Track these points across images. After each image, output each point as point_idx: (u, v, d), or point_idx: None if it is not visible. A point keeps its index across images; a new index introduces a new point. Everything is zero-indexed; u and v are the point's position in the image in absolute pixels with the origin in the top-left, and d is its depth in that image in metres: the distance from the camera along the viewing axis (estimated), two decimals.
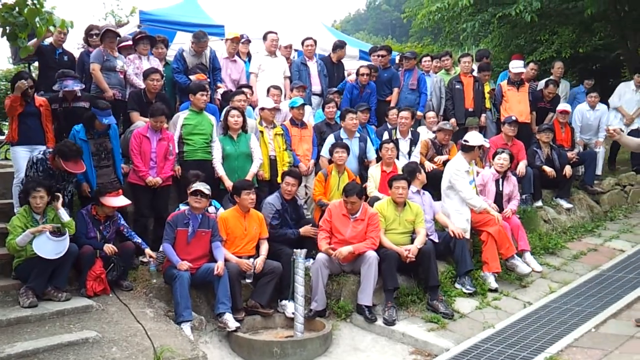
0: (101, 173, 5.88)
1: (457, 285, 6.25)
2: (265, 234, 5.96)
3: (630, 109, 9.32)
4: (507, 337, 5.13)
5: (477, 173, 7.04)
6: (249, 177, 6.43)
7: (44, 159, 5.50)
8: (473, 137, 6.86)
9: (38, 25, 4.46)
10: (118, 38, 7.25)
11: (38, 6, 4.38)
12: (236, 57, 8.22)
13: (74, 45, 8.06)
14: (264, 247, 5.88)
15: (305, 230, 6.13)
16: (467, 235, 6.47)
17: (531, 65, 9.75)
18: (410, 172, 6.51)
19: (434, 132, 7.99)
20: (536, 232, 7.61)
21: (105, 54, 6.88)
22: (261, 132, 6.96)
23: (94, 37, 7.25)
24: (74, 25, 4.73)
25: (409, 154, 7.59)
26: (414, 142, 7.61)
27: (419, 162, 7.48)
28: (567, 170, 8.12)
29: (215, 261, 5.48)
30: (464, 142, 6.83)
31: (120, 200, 5.57)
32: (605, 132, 5.33)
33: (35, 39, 6.54)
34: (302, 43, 8.86)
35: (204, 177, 5.88)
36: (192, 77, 7.25)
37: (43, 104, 6.07)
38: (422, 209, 6.25)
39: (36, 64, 11.55)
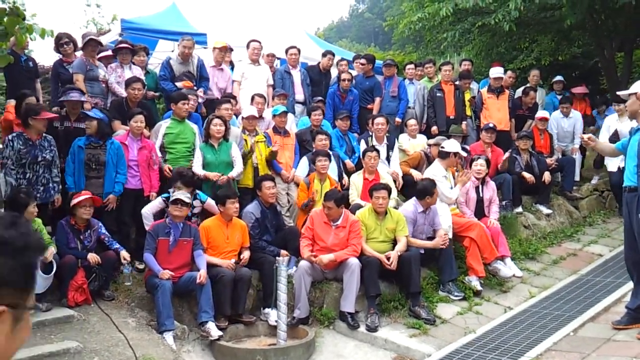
0: (88, 183, 5.83)
1: (441, 292, 6.30)
2: (247, 243, 5.96)
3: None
4: (488, 341, 5.19)
5: (456, 183, 7.11)
6: (230, 174, 6.40)
7: (19, 133, 5.52)
8: (450, 144, 7.00)
9: (18, 35, 4.45)
10: (99, 47, 7.23)
11: (18, 15, 4.37)
12: (223, 66, 8.24)
13: (53, 54, 7.99)
14: (245, 254, 5.88)
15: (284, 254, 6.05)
16: (450, 236, 6.53)
17: (509, 73, 9.93)
18: (420, 193, 6.40)
19: (428, 145, 8.04)
20: (516, 237, 7.70)
21: (88, 64, 6.85)
22: (245, 140, 6.98)
23: (64, 45, 7.17)
24: (54, 33, 4.73)
25: (387, 159, 7.66)
26: (390, 148, 7.69)
27: (398, 168, 7.58)
28: (546, 176, 8.25)
29: (198, 270, 5.48)
30: (440, 149, 6.98)
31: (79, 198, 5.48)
32: (580, 140, 5.44)
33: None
34: (286, 52, 8.90)
35: (190, 176, 5.86)
36: (178, 84, 7.27)
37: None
38: (406, 222, 6.25)
39: None
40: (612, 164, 8.22)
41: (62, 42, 7.15)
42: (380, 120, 7.73)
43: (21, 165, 5.51)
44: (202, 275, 5.37)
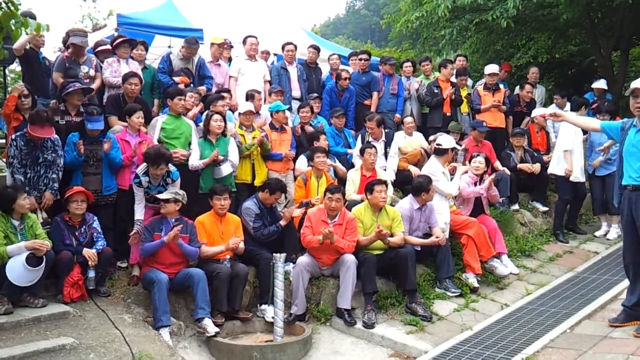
0: (87, 180, 5.80)
1: (438, 289, 6.32)
2: (241, 236, 5.93)
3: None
4: (485, 338, 5.19)
5: (452, 178, 7.13)
6: (207, 160, 6.33)
7: (22, 133, 5.51)
8: (446, 140, 6.99)
9: (13, 29, 4.40)
10: (96, 42, 7.19)
11: (12, 9, 4.32)
12: (220, 61, 8.23)
13: (50, 48, 8.02)
14: (241, 245, 5.84)
15: (286, 218, 6.16)
16: (447, 234, 6.55)
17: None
18: (415, 190, 6.40)
19: (429, 142, 8.03)
20: (513, 234, 7.72)
21: (68, 62, 6.76)
22: (242, 135, 6.95)
23: None
24: (50, 28, 4.67)
25: (385, 155, 7.62)
26: (388, 144, 7.64)
27: (396, 164, 7.56)
28: (536, 167, 8.23)
29: (194, 266, 5.48)
30: (436, 146, 6.97)
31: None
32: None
33: (20, 41, 6.49)
34: (283, 48, 8.88)
35: (169, 155, 5.79)
36: (175, 79, 7.30)
37: None
38: (402, 219, 6.25)
39: (11, 67, 11.44)
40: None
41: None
42: (370, 124, 7.61)
43: (23, 165, 5.51)
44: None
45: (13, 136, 5.55)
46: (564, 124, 7.88)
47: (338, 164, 7.47)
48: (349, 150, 7.81)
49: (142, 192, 5.78)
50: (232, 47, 8.79)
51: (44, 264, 4.93)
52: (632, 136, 4.86)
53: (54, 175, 5.63)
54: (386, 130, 7.80)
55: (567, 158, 7.88)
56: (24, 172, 5.51)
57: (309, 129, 7.80)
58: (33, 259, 4.85)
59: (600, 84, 9.77)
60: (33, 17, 6.88)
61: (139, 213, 5.77)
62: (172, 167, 5.89)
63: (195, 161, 6.36)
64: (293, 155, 7.33)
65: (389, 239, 5.92)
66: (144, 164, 5.73)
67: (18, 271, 4.82)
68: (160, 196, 5.57)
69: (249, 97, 7.59)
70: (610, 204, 7.74)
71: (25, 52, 7.00)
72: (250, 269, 5.91)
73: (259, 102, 7.66)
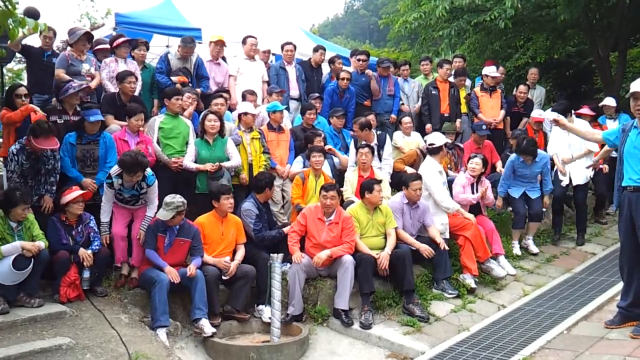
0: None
1: (435, 290, 6.32)
2: (243, 239, 5.94)
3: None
4: (482, 339, 5.19)
5: (447, 175, 7.13)
6: (200, 167, 6.30)
7: (22, 146, 5.44)
8: (437, 138, 7.01)
9: (10, 28, 4.39)
10: (94, 40, 7.20)
11: (10, 8, 4.31)
12: (220, 60, 8.23)
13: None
14: (240, 252, 5.87)
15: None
16: (447, 235, 6.56)
17: (501, 69, 9.92)
18: (399, 183, 6.40)
19: (425, 142, 8.03)
20: (510, 236, 7.70)
21: (70, 59, 6.77)
22: (241, 136, 6.94)
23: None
24: (48, 28, 4.67)
25: (379, 156, 7.60)
26: (381, 146, 7.59)
27: (391, 166, 7.56)
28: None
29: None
30: (429, 146, 6.98)
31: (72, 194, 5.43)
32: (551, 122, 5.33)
33: (16, 40, 6.48)
34: (282, 47, 8.87)
35: (146, 162, 5.58)
36: (173, 79, 7.30)
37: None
38: (397, 213, 6.29)
39: (9, 65, 11.45)
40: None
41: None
42: (354, 127, 7.60)
43: (23, 176, 5.48)
44: (191, 268, 5.34)
45: (14, 150, 5.44)
46: (555, 129, 7.95)
47: (338, 153, 7.48)
48: (343, 157, 7.73)
49: (113, 193, 5.60)
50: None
51: (30, 266, 4.93)
52: (633, 137, 4.84)
53: (53, 179, 5.62)
54: (378, 133, 7.79)
55: (555, 160, 7.89)
56: (24, 181, 5.46)
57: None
58: (21, 262, 4.86)
59: (608, 101, 9.04)
60: (37, 13, 6.90)
61: (106, 215, 5.61)
62: (148, 171, 5.67)
63: (189, 163, 6.34)
64: (285, 172, 7.24)
65: (383, 253, 5.91)
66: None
67: (4, 272, 4.83)
68: (162, 218, 5.41)
69: (244, 99, 7.57)
70: (532, 215, 7.51)
71: (29, 51, 6.99)
72: None
73: (254, 103, 7.63)
